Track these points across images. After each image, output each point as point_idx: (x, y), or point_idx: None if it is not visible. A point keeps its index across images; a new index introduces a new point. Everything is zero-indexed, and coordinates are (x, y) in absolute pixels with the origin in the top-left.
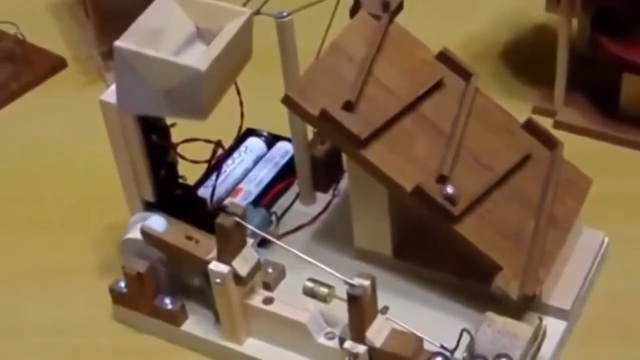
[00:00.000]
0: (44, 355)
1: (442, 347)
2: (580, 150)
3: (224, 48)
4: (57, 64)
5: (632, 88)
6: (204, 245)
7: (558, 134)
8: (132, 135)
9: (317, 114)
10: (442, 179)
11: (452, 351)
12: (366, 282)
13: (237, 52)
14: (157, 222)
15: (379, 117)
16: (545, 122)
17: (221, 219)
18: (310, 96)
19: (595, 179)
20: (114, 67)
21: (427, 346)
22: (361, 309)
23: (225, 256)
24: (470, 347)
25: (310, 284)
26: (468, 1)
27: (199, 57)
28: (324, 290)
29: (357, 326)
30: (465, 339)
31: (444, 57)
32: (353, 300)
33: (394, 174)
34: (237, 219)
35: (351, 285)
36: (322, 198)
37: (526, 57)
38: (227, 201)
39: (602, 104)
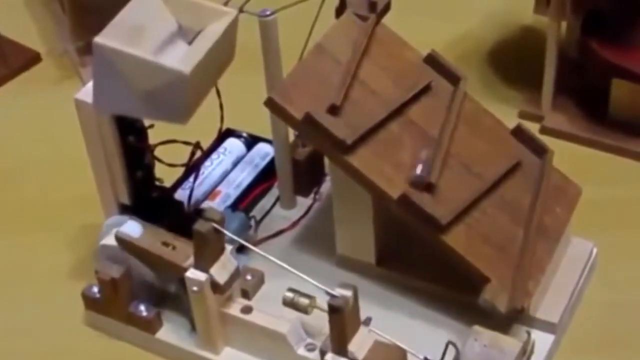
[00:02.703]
0: None
1: (426, 359)
2: (567, 157)
3: (208, 50)
4: (32, 58)
5: (622, 94)
6: (181, 252)
7: (545, 139)
8: (108, 136)
9: (301, 118)
10: (429, 187)
11: None
12: (348, 293)
13: (221, 54)
14: (133, 228)
15: (365, 122)
16: (532, 128)
17: (198, 225)
18: (294, 99)
19: (583, 187)
20: (91, 64)
21: (410, 359)
22: (342, 320)
23: (202, 263)
24: None
25: (290, 295)
26: (454, 2)
27: (182, 59)
28: (304, 301)
29: (339, 338)
30: (451, 352)
31: (432, 60)
32: (334, 311)
33: (379, 181)
34: (215, 225)
35: (332, 296)
36: (303, 202)
37: (513, 60)
38: (204, 205)
39: (591, 110)
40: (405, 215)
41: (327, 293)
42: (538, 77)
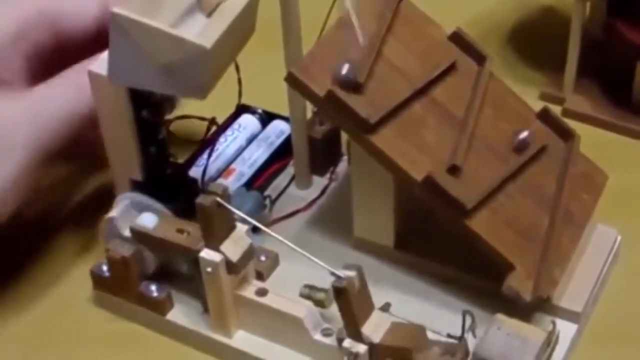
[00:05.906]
0: (17, 342)
1: (449, 335)
2: (589, 141)
3: (230, 23)
4: None
5: None
6: (195, 236)
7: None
8: (122, 109)
9: (323, 95)
10: (454, 169)
11: (460, 338)
12: (352, 273)
13: (242, 28)
14: (147, 219)
15: (389, 101)
16: (553, 110)
17: (200, 199)
18: (316, 75)
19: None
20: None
21: (431, 337)
22: (349, 302)
23: (210, 240)
24: (472, 329)
25: (306, 291)
26: None
27: (203, 32)
28: (320, 295)
29: (350, 322)
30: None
31: (458, 38)
32: (339, 293)
33: (403, 163)
34: (218, 198)
35: (337, 277)
36: (319, 182)
37: (534, 39)
38: (218, 182)
39: (615, 93)
40: (429, 199)
41: (332, 274)
42: (559, 57)
